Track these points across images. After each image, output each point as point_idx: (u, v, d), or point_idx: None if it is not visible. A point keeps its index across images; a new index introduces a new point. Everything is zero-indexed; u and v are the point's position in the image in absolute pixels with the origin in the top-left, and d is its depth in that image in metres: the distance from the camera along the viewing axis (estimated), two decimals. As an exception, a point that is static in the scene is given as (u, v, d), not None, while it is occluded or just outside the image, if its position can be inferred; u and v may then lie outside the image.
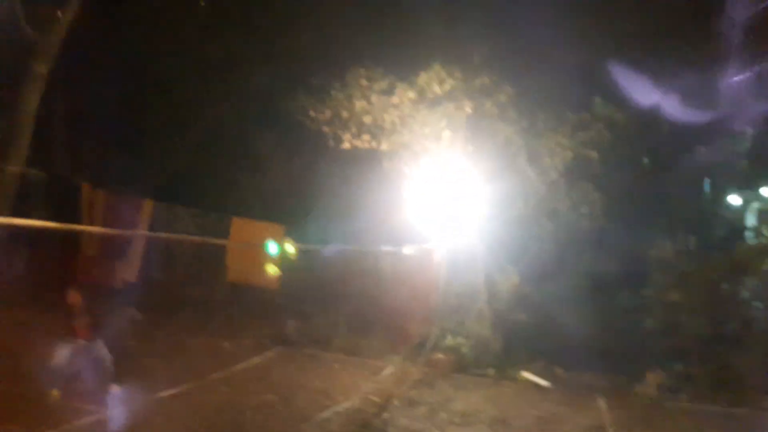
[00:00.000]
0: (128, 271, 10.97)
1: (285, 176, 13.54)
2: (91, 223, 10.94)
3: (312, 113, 10.18)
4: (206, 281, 11.12)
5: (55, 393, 6.15)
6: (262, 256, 11.21)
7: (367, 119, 9.81)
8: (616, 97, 10.16)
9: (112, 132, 14.94)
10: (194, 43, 14.16)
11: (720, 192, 14.79)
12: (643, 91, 11.32)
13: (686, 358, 8.90)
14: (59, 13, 9.89)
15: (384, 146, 9.88)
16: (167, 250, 11.40)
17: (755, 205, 17.69)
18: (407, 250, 9.24)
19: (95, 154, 14.63)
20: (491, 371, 9.04)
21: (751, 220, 16.26)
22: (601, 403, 8.09)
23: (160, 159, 14.76)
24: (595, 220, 10.01)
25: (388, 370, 8.42)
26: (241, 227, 11.48)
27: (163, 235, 10.96)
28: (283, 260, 11.20)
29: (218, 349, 9.01)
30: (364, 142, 9.94)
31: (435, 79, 9.52)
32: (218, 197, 13.27)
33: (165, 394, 6.77)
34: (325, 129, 10.19)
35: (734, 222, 14.60)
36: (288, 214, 12.30)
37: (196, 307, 10.44)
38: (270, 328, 10.07)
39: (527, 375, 8.92)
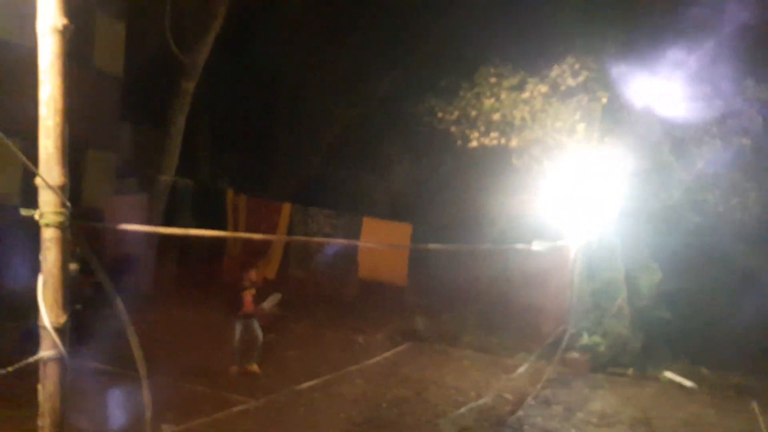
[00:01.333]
0: (269, 270, 11.71)
1: (413, 177, 13.77)
2: (235, 226, 11.79)
3: (440, 114, 10.27)
4: (339, 279, 11.57)
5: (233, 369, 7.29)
6: (390, 254, 11.57)
7: (496, 117, 9.72)
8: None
9: (250, 141, 16.04)
10: (324, 54, 14.82)
11: None
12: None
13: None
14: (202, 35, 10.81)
15: (513, 143, 9.74)
16: (304, 250, 12.00)
17: None
18: (535, 246, 9.03)
19: (236, 162, 15.76)
20: (630, 371, 8.62)
21: None
22: (755, 406, 7.46)
23: (295, 164, 15.60)
24: (748, 211, 9.23)
25: (521, 369, 8.29)
26: (371, 227, 11.85)
27: (301, 238, 11.53)
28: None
29: (352, 343, 9.37)
30: (493, 139, 9.86)
31: (568, 72, 9.26)
32: (349, 199, 13.80)
33: (305, 385, 7.17)
34: (453, 129, 10.24)
35: None
36: (416, 214, 12.52)
37: (330, 303, 10.94)
38: (400, 324, 10.30)
39: (670, 375, 8.41)
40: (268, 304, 8.77)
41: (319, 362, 8.08)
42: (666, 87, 9.30)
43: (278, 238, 12.54)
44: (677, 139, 9.25)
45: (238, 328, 7.38)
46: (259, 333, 7.44)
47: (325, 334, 9.56)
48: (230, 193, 12.24)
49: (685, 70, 9.57)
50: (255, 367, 7.43)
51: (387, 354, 8.90)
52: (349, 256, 11.80)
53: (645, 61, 9.36)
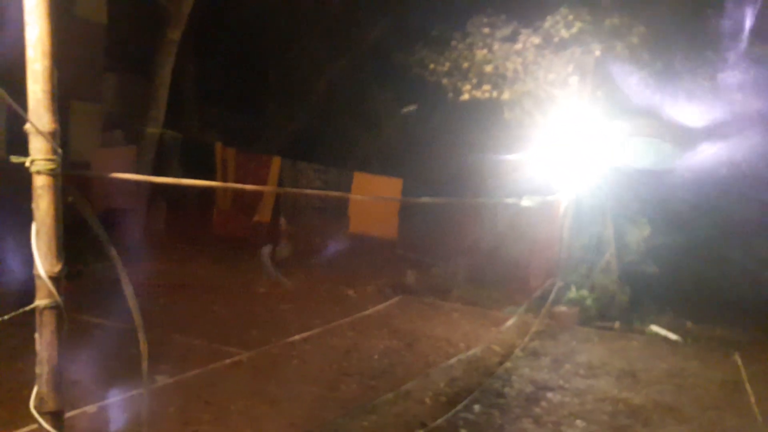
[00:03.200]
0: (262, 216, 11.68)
1: (403, 131, 13.69)
2: (224, 180, 11.71)
3: (431, 66, 10.12)
4: (330, 233, 11.60)
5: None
6: (381, 208, 11.58)
7: (488, 68, 9.60)
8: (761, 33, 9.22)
9: (238, 95, 15.79)
10: (313, 2, 14.48)
11: None
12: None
13: None
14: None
15: (506, 95, 9.64)
16: (294, 205, 11.97)
17: None
18: (525, 201, 9.05)
19: (224, 115, 15.55)
20: (617, 324, 8.78)
21: None
22: (737, 358, 7.65)
23: (285, 118, 15.41)
24: (736, 166, 9.26)
25: (510, 321, 8.41)
26: (361, 181, 11.82)
27: (291, 189, 11.48)
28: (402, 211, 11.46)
29: (344, 296, 9.44)
30: (485, 92, 9.76)
31: (561, 23, 9.10)
32: (339, 153, 13.72)
33: (297, 337, 7.25)
34: (444, 81, 10.11)
35: None
36: (407, 168, 12.49)
37: (321, 256, 10.97)
38: (391, 277, 10.38)
39: (656, 328, 8.57)
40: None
41: (311, 315, 8.15)
42: (657, 40, 9.22)
43: (270, 189, 12.48)
44: (668, 94, 9.20)
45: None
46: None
47: (316, 288, 9.63)
48: (219, 147, 12.11)
49: (677, 21, 9.48)
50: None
51: (378, 307, 8.99)
52: (340, 211, 11.81)
53: (639, 14, 9.24)
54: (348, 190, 11.68)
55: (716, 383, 6.82)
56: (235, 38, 15.03)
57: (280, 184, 11.75)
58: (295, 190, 11.62)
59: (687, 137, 9.26)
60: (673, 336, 8.40)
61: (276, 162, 11.85)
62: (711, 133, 9.32)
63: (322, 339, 7.32)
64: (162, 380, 5.46)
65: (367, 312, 8.65)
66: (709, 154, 9.09)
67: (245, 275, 9.82)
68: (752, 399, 6.31)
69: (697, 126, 9.29)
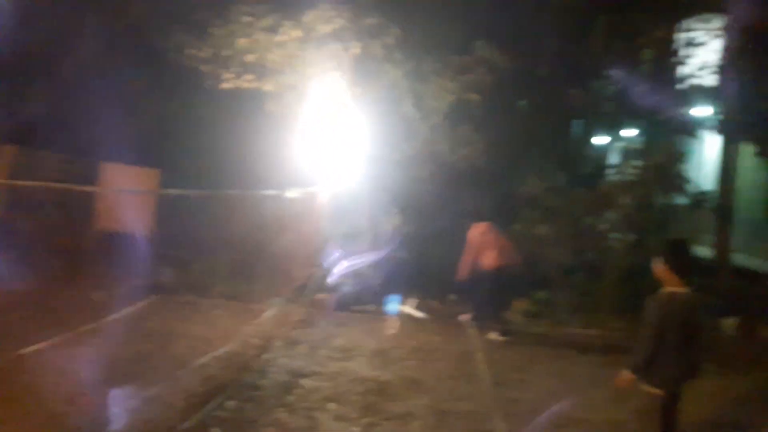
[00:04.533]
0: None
1: (162, 118, 12.89)
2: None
3: (191, 51, 9.66)
4: (75, 230, 10.50)
5: None
6: (134, 202, 10.79)
7: (250, 58, 9.47)
8: (498, 41, 10.41)
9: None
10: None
11: (588, 132, 15.78)
12: (522, 36, 11.70)
13: (549, 287, 9.63)
14: None
15: (268, 87, 9.61)
16: (30, 199, 10.61)
17: (618, 144, 19.08)
18: (291, 193, 9.16)
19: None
20: (372, 307, 9.31)
21: (614, 159, 17.52)
22: (472, 331, 8.60)
23: (19, 100, 13.55)
24: (474, 160, 10.35)
25: (270, 313, 8.44)
26: (112, 173, 10.92)
27: (25, 182, 10.15)
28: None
29: (88, 300, 8.61)
30: (247, 82, 9.61)
31: (322, 18, 9.29)
32: (90, 141, 12.45)
33: (28, 350, 6.46)
34: (204, 68, 9.73)
35: (599, 160, 15.71)
36: (165, 158, 11.81)
37: (63, 257, 9.86)
38: (145, 276, 9.71)
39: (406, 309, 9.28)
40: None
41: (49, 323, 7.29)
42: (410, 42, 9.92)
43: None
44: (417, 93, 9.96)
45: None
46: None
47: (57, 292, 8.62)
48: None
49: (427, 26, 10.29)
50: None
51: (129, 309, 8.39)
52: (86, 205, 10.77)
53: (394, 14, 9.83)
54: (96, 182, 10.68)
55: (454, 355, 7.60)
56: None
57: (12, 176, 10.31)
58: (26, 183, 10.30)
59: (432, 133, 10.10)
60: (420, 314, 9.17)
61: (6, 151, 10.38)
62: (453, 130, 10.30)
63: (60, 349, 6.60)
64: None
65: (116, 316, 8.01)
66: (446, 149, 10.03)
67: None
68: (483, 367, 7.15)
69: (442, 124, 10.20)
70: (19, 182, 9.83)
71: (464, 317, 8.71)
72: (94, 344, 6.90)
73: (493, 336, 8.29)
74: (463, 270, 8.48)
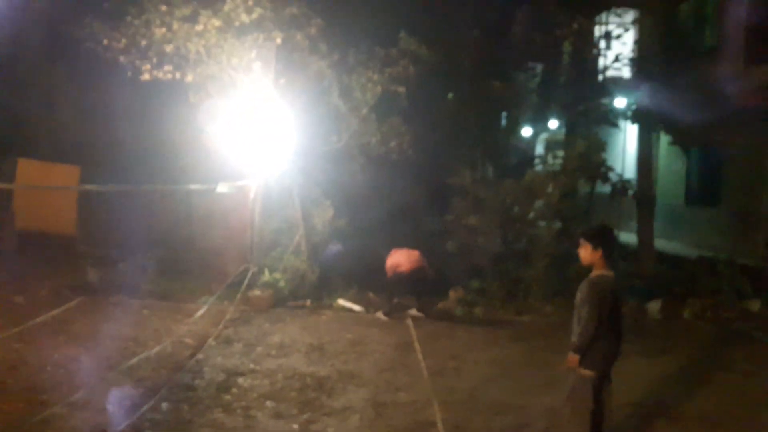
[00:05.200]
0: None
1: (79, 112, 12.32)
2: None
3: (105, 41, 9.24)
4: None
5: None
6: (55, 200, 10.31)
7: (168, 48, 9.11)
8: (422, 33, 10.50)
9: None
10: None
11: (514, 124, 16.24)
12: (444, 27, 11.89)
13: (482, 275, 9.88)
14: None
15: (189, 78, 9.31)
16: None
17: (543, 135, 19.77)
18: (220, 188, 8.94)
19: None
20: (309, 302, 9.26)
21: (539, 150, 18.15)
22: (409, 321, 8.72)
23: None
24: (404, 152, 10.43)
25: (200, 311, 8.26)
26: (29, 170, 10.38)
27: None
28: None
29: (10, 304, 8.18)
30: (167, 73, 9.28)
31: (242, 7, 9.05)
32: (3, 137, 11.76)
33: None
34: (122, 59, 9.34)
35: (525, 151, 16.24)
36: (86, 154, 11.32)
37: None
38: (70, 277, 9.31)
39: (342, 302, 9.27)
40: None
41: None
42: (334, 33, 9.86)
43: None
44: (344, 85, 9.93)
45: None
46: None
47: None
48: None
49: (351, 17, 10.28)
50: None
51: (54, 312, 8.01)
52: (3, 204, 10.19)
53: (317, 4, 9.73)
54: (12, 179, 10.12)
55: (392, 347, 7.64)
56: None
57: None
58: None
59: (361, 125, 10.10)
60: (357, 307, 9.18)
61: None
62: (382, 123, 10.33)
63: (-21, 357, 6.26)
64: None
65: (39, 319, 7.63)
66: (376, 141, 10.05)
67: None
68: (420, 357, 7.23)
69: (371, 116, 10.20)
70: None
71: (379, 314, 8.97)
72: (16, 350, 6.59)
73: (379, 315, 8.86)
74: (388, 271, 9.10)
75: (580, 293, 4.27)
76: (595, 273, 4.28)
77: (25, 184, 10.42)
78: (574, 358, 4.23)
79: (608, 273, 4.27)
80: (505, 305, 9.49)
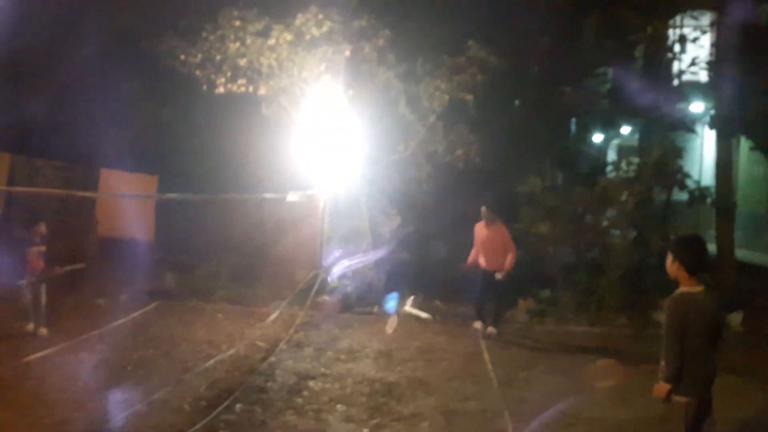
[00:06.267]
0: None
1: (158, 124, 12.86)
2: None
3: (182, 56, 9.65)
4: (76, 238, 10.46)
5: None
6: (134, 208, 10.78)
7: (242, 62, 9.44)
8: (490, 41, 10.44)
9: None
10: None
11: (585, 130, 15.86)
12: (513, 34, 11.76)
13: (553, 285, 9.65)
14: None
15: (262, 90, 9.59)
16: (29, 207, 10.56)
17: (615, 142, 19.20)
18: (290, 197, 9.14)
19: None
20: (375, 308, 9.32)
21: (611, 156, 17.63)
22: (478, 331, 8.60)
23: (17, 107, 13.49)
24: (471, 160, 10.36)
25: (273, 316, 8.43)
26: (111, 180, 10.90)
27: (23, 189, 10.11)
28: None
29: (93, 307, 8.62)
30: (240, 86, 9.59)
31: (312, 21, 9.29)
32: (85, 149, 12.41)
33: (35, 356, 6.46)
34: (198, 73, 9.72)
35: (597, 158, 15.80)
36: (163, 164, 11.80)
37: (66, 265, 9.84)
38: (148, 282, 9.72)
39: (409, 309, 9.27)
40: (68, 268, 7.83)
41: (53, 330, 7.31)
42: (401, 43, 9.93)
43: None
44: (411, 94, 9.96)
45: (27, 289, 6.99)
46: (44, 296, 7.11)
47: (60, 300, 8.59)
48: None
49: (419, 27, 10.33)
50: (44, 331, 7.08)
51: (133, 315, 8.38)
52: (87, 213, 10.74)
53: (385, 16, 9.85)
54: (95, 189, 10.66)
55: (460, 355, 7.58)
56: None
57: (11, 184, 10.28)
58: (27, 189, 10.24)
59: (428, 134, 10.10)
60: (424, 315, 9.16)
61: (4, 159, 10.35)
62: (449, 131, 10.30)
63: (65, 356, 6.61)
64: None
65: (120, 322, 8.00)
66: (443, 150, 10.02)
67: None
68: (489, 366, 7.12)
69: (438, 124, 10.19)
70: (20, 189, 9.79)
71: (477, 325, 8.40)
72: (99, 350, 6.91)
73: (490, 330, 8.33)
74: (469, 263, 8.50)
75: (664, 313, 3.90)
76: (678, 290, 3.85)
77: (106, 193, 10.96)
78: (662, 387, 3.77)
79: (693, 289, 3.80)
80: (576, 316, 9.23)
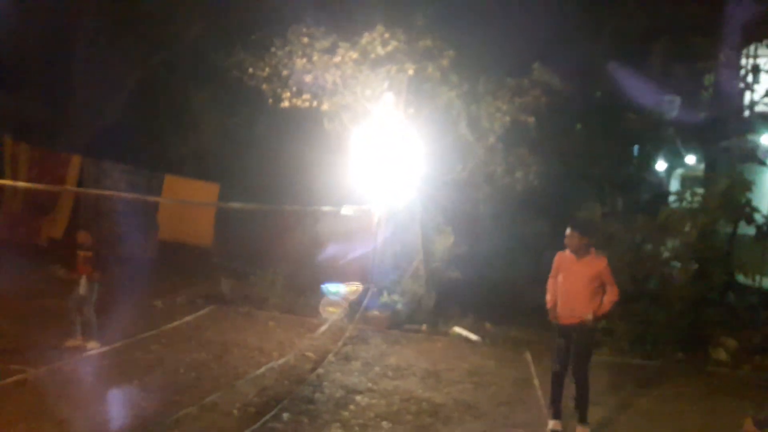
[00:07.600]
0: (54, 229, 10.59)
1: (222, 134, 13.25)
2: (15, 178, 10.47)
3: (250, 70, 9.93)
4: (137, 240, 10.83)
5: None
6: (195, 214, 11.09)
7: (307, 78, 9.65)
8: (554, 63, 10.34)
9: (35, 83, 14.19)
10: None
11: (648, 158, 15.46)
12: (580, 58, 11.62)
13: (609, 315, 9.34)
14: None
15: (325, 106, 9.77)
16: (95, 207, 11.02)
17: (679, 171, 18.63)
18: (345, 210, 9.23)
19: (16, 106, 13.88)
20: (424, 327, 9.25)
21: (674, 185, 17.09)
22: (528, 356, 8.42)
23: (89, 112, 14.12)
24: (529, 183, 10.23)
25: (323, 327, 8.49)
26: (174, 186, 11.26)
27: (92, 190, 10.54)
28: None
29: (150, 308, 8.86)
30: (305, 101, 9.80)
31: (378, 40, 9.42)
32: (151, 154, 12.88)
33: (93, 353, 6.70)
34: (264, 86, 9.98)
35: (659, 186, 15.35)
36: (224, 173, 12.11)
37: (126, 266, 10.19)
38: (204, 286, 9.96)
39: (458, 330, 9.17)
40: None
41: (111, 329, 7.52)
42: (465, 64, 9.95)
43: (66, 189, 11.30)
44: (472, 115, 9.94)
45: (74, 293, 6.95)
46: (91, 306, 7.05)
47: (119, 300, 8.86)
48: (8, 141, 10.80)
49: (482, 48, 10.32)
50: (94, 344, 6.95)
51: (188, 318, 8.58)
52: (149, 216, 11.10)
53: (449, 36, 9.89)
54: (158, 194, 11.03)
55: (509, 380, 7.42)
56: (38, 21, 13.53)
57: (81, 185, 10.75)
58: (95, 191, 10.67)
59: (487, 154, 10.04)
60: (473, 337, 9.04)
61: (76, 161, 10.84)
62: (509, 152, 10.22)
63: (122, 354, 6.83)
64: None
65: (175, 324, 8.21)
66: (502, 171, 9.93)
67: (35, 284, 8.83)
68: (539, 393, 6.95)
69: (497, 146, 10.13)
70: (89, 190, 10.21)
71: (554, 426, 5.88)
72: (154, 351, 7.10)
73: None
74: (552, 306, 6.05)
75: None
76: None
77: (169, 198, 11.32)
78: (751, 428, 3.75)
79: None
80: (632, 348, 8.92)
